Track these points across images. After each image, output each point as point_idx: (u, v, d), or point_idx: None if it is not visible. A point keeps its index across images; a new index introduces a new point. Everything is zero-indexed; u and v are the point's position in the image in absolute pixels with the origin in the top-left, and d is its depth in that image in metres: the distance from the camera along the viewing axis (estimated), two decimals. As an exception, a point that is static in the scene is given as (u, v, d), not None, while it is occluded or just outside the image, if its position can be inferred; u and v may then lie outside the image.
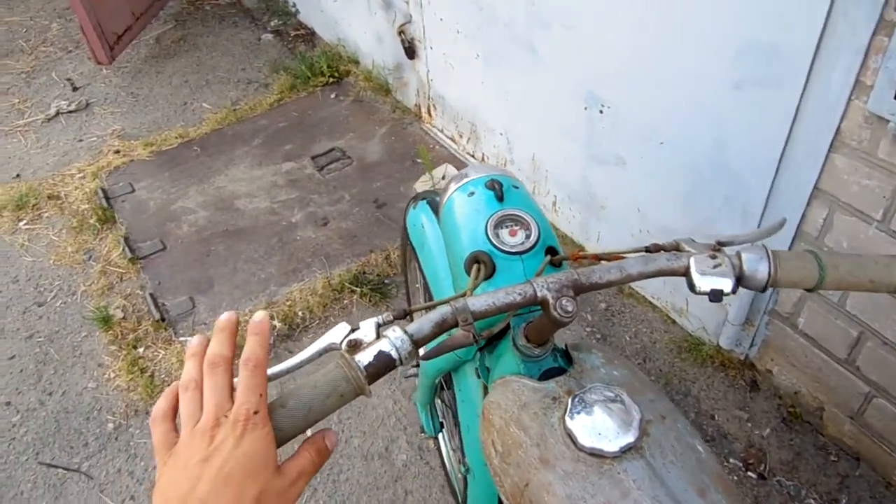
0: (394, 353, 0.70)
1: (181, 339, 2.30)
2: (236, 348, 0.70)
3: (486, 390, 1.04)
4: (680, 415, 0.83)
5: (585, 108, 2.10)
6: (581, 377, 0.86)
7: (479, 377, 1.10)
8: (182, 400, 0.65)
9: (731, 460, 1.87)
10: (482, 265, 0.87)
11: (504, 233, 0.90)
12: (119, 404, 2.14)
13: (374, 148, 3.06)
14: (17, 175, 3.12)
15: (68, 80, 3.77)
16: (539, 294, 0.75)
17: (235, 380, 0.68)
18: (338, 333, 0.75)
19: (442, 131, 3.02)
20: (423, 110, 3.09)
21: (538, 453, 0.80)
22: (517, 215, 0.91)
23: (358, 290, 2.38)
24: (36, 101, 3.62)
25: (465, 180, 0.99)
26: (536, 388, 0.85)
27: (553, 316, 0.74)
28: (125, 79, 3.76)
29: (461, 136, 2.88)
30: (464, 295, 0.76)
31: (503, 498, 0.86)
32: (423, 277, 1.34)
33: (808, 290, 0.80)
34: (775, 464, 1.86)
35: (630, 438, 0.75)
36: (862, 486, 1.79)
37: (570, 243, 2.49)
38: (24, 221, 2.83)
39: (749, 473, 1.85)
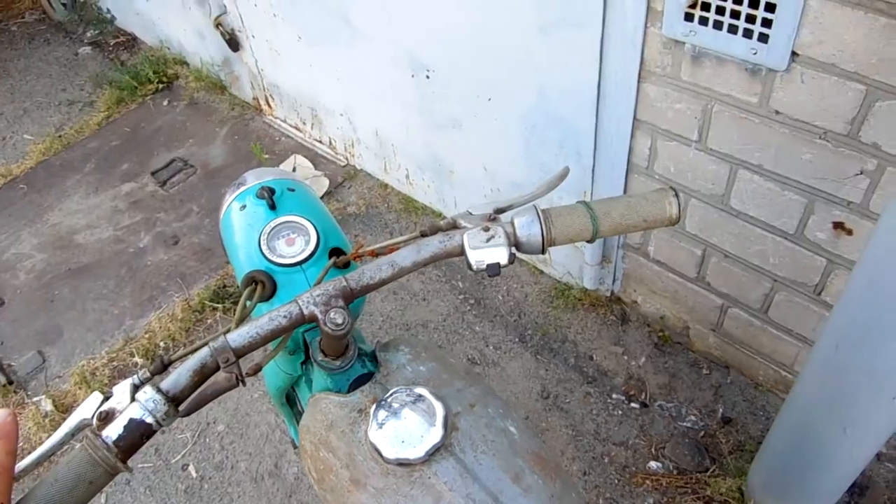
0: (148, 418, 0.62)
1: (34, 399, 2.11)
2: None
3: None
4: (492, 396, 0.80)
5: (413, 76, 2.04)
6: (387, 380, 0.81)
7: (309, 391, 1.04)
8: None
9: (614, 395, 1.91)
10: (259, 285, 0.80)
11: (280, 244, 0.83)
12: (-24, 485, 1.94)
13: (217, 151, 2.89)
14: None
15: None
16: (306, 311, 0.69)
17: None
18: (89, 406, 0.66)
19: (285, 121, 2.88)
20: (262, 102, 2.94)
21: (348, 475, 0.74)
22: (293, 222, 0.84)
23: (220, 306, 2.25)
24: None
25: (240, 190, 0.91)
26: (343, 403, 0.79)
27: (325, 331, 0.68)
28: (-71, 123, 3.37)
29: (304, 124, 2.76)
30: (228, 331, 0.69)
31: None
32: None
33: (588, 241, 0.77)
34: (654, 389, 1.91)
35: (435, 438, 0.71)
36: (734, 391, 1.87)
37: (431, 213, 2.45)
38: None
39: (632, 405, 1.89)
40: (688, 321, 1.91)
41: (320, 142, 2.75)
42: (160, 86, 3.27)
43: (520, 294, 2.18)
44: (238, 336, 0.67)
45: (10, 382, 2.15)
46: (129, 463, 0.62)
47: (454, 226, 0.78)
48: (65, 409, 2.05)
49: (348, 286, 0.70)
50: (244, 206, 0.87)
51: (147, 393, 0.63)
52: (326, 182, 2.60)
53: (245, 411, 2.00)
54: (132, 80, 3.25)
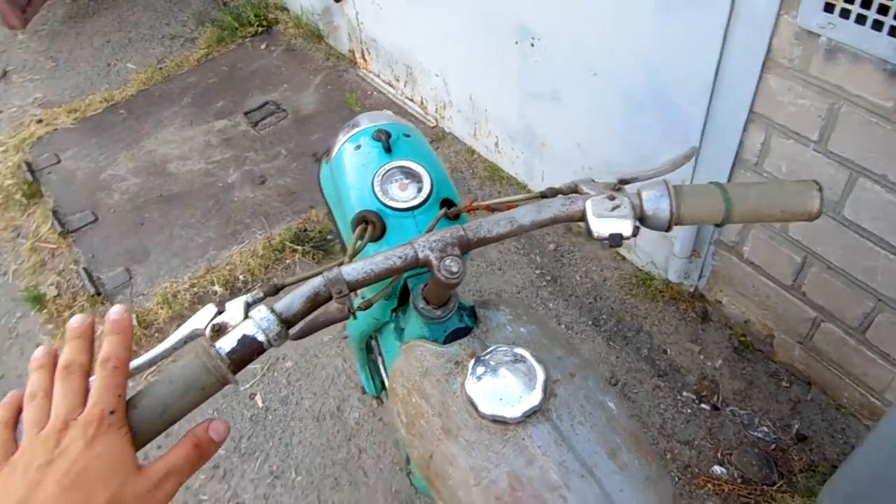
0: (260, 336, 0.63)
1: (117, 314, 2.20)
2: (93, 354, 0.61)
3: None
4: (591, 370, 0.78)
5: (517, 43, 1.99)
6: (486, 337, 0.80)
7: (397, 339, 1.04)
8: (26, 408, 0.57)
9: (685, 393, 1.86)
10: (369, 225, 0.79)
11: (393, 188, 0.82)
12: (57, 387, 2.05)
13: (310, 99, 2.92)
14: (-66, 154, 2.93)
15: (-18, 47, 3.53)
16: (421, 255, 0.68)
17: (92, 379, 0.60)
18: (203, 317, 0.67)
19: (378, 76, 2.89)
20: (358, 55, 2.95)
21: (440, 423, 0.74)
22: (407, 167, 0.83)
23: (300, 248, 2.29)
24: (-51, 73, 3.39)
25: (355, 131, 0.91)
26: (439, 353, 0.79)
27: (438, 278, 0.67)
28: (43, 43, 3.53)
29: (398, 80, 2.75)
30: (341, 264, 0.69)
31: (415, 468, 0.81)
32: (341, 239, 1.26)
33: (717, 226, 0.73)
34: (728, 394, 1.85)
35: (534, 402, 0.70)
36: (814, 409, 1.79)
37: (516, 184, 2.41)
38: (-56, 203, 2.67)
39: (703, 405, 1.83)
40: (773, 329, 1.83)
41: (412, 100, 2.74)
42: (259, 29, 3.32)
43: (598, 277, 2.14)
44: (352, 270, 0.67)
45: (99, 294, 2.25)
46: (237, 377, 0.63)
47: (574, 190, 0.76)
48: (146, 326, 2.13)
49: (465, 236, 0.69)
50: (359, 147, 0.87)
51: (261, 312, 0.63)
52: (414, 142, 2.60)
53: (314, 353, 2.04)
54: (233, 21, 3.31)
